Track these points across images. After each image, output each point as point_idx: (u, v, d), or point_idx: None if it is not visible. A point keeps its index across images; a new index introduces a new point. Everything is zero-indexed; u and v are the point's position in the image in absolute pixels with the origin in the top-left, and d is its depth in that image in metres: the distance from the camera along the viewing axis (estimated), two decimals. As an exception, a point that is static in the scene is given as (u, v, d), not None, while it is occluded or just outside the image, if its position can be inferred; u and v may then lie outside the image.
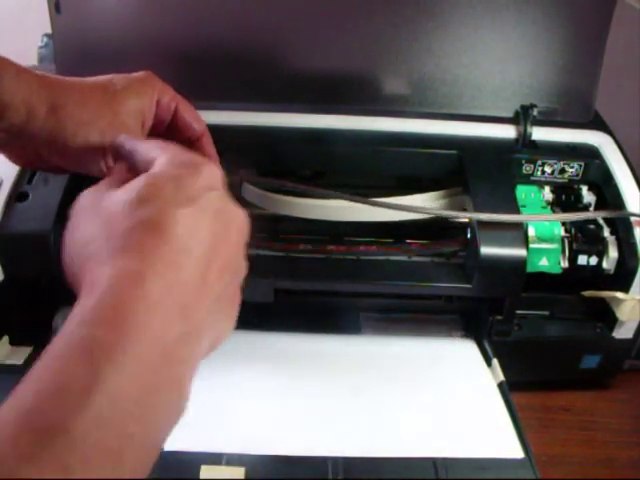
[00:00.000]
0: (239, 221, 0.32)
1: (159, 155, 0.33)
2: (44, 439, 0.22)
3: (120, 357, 0.24)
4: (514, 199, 0.56)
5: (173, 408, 0.27)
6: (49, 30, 0.88)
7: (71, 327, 0.26)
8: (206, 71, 0.60)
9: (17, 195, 0.53)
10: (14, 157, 0.44)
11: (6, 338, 0.55)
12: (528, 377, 0.58)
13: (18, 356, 0.54)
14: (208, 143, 0.46)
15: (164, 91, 0.43)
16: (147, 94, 0.42)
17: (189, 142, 0.45)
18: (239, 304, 0.34)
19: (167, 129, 0.44)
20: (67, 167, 0.43)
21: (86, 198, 0.34)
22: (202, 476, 0.42)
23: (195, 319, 0.29)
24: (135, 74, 0.43)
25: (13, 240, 0.52)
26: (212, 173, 0.32)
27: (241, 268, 0.33)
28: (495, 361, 0.54)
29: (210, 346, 0.31)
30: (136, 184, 0.30)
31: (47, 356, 0.25)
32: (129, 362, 0.25)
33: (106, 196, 0.32)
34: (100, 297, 0.26)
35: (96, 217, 0.31)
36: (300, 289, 0.54)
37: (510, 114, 0.62)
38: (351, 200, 0.54)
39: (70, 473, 0.22)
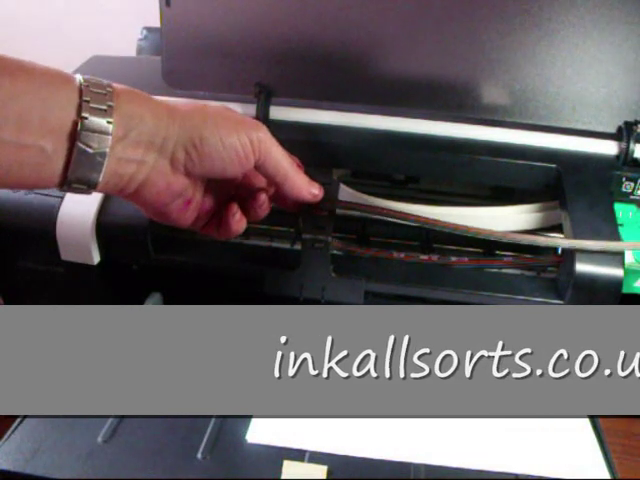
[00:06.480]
0: None
1: None
2: None
3: None
4: (613, 218, 0.54)
5: None
6: (148, 24, 0.91)
7: None
8: (306, 70, 0.61)
9: None
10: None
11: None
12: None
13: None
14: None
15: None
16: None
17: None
18: None
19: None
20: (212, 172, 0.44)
21: None
22: (284, 470, 0.43)
23: None
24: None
25: (112, 228, 0.54)
26: None
27: None
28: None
29: None
30: None
31: None
32: None
33: None
34: None
35: None
36: (390, 293, 0.54)
37: (612, 130, 0.60)
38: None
39: None
